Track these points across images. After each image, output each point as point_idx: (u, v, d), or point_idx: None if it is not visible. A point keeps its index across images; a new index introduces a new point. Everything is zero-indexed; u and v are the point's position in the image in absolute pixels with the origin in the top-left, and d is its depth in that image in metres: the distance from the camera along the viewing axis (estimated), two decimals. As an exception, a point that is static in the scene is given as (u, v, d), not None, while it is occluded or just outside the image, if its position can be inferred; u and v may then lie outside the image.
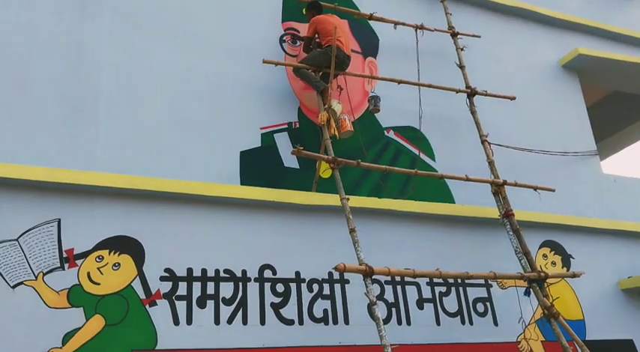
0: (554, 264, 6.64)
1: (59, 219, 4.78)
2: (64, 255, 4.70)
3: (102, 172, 5.04)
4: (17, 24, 5.33)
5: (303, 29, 6.46)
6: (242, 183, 5.57)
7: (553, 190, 6.42)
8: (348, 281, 5.49)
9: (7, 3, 5.35)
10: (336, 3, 6.65)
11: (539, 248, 6.62)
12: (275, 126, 5.99)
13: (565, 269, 6.64)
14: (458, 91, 6.73)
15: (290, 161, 5.87)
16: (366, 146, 6.12)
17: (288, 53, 6.42)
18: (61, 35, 5.45)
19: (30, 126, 5.02)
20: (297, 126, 6.12)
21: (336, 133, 5.71)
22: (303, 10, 6.54)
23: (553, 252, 6.70)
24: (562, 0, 8.88)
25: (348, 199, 5.09)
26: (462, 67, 6.99)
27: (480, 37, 7.42)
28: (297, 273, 5.36)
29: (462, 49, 7.12)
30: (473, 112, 6.68)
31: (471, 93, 6.77)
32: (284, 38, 6.47)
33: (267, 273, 5.25)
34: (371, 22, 6.94)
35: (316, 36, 6.12)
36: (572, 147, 7.64)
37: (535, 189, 6.30)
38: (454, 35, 7.19)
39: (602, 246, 7.03)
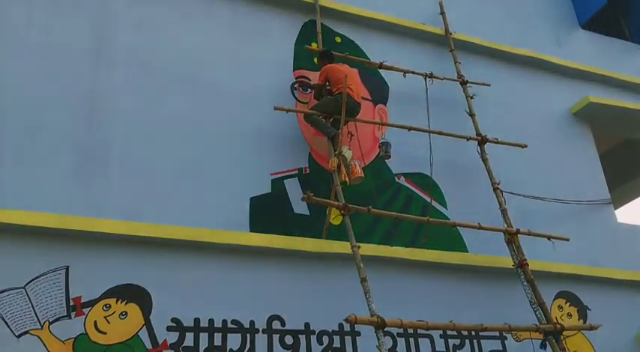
0: (570, 315, 6.47)
1: (67, 267, 4.74)
2: (71, 303, 4.64)
3: (112, 219, 5.01)
4: (32, 72, 5.43)
5: (314, 77, 6.54)
6: (252, 230, 5.54)
7: (567, 239, 6.31)
8: (359, 334, 5.35)
9: (22, 52, 5.46)
10: (347, 52, 6.76)
11: (555, 299, 6.47)
12: (285, 172, 6.00)
13: (581, 321, 6.46)
14: (469, 139, 6.72)
15: (300, 207, 5.84)
16: (377, 192, 6.10)
17: (300, 100, 6.47)
18: (75, 83, 5.54)
19: (41, 173, 5.05)
20: (308, 172, 6.12)
21: (347, 179, 5.70)
22: (315, 59, 6.64)
23: (569, 304, 6.53)
24: (571, 48, 8.96)
25: (359, 247, 5.03)
26: (472, 114, 7.01)
27: (489, 85, 7.46)
28: (307, 325, 5.24)
29: (471, 97, 7.16)
30: (484, 160, 6.66)
31: (482, 141, 6.76)
32: (295, 85, 6.54)
33: (276, 324, 5.14)
34: (381, 71, 7.00)
35: (327, 84, 6.19)
36: (586, 195, 7.55)
37: (549, 238, 6.19)
38: (464, 83, 7.25)
39: (619, 296, 6.84)
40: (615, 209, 8.54)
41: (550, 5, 9.24)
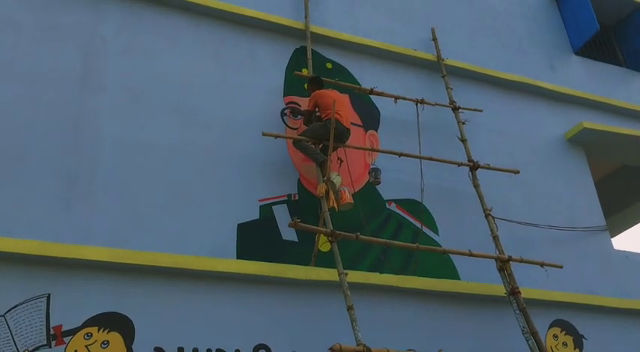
0: (565, 344, 6.35)
1: (49, 294, 4.66)
2: (52, 332, 4.56)
3: (95, 246, 4.96)
4: (18, 96, 5.41)
5: (304, 103, 6.53)
6: (238, 257, 5.48)
7: (561, 267, 6.24)
8: (346, 363, 5.24)
9: (9, 76, 5.46)
10: (337, 78, 6.76)
11: (549, 327, 6.35)
12: (274, 198, 5.95)
13: (577, 350, 6.35)
14: (460, 164, 6.69)
15: (288, 234, 5.78)
16: (366, 219, 6.04)
17: (289, 126, 6.46)
18: (62, 108, 5.52)
19: (24, 199, 5.01)
20: (297, 198, 6.08)
21: (335, 205, 5.65)
22: (305, 85, 6.64)
23: (564, 332, 6.41)
24: (565, 74, 8.96)
25: (346, 274, 4.99)
26: (463, 140, 6.98)
27: (481, 111, 7.44)
28: (294, 353, 5.14)
29: (463, 123, 7.14)
30: (476, 186, 6.61)
31: (474, 167, 6.72)
32: (285, 111, 6.53)
33: (262, 353, 5.05)
34: (372, 97, 7.00)
35: (316, 109, 6.17)
36: (581, 222, 7.47)
37: (542, 265, 6.11)
38: (455, 109, 7.23)
39: (615, 325, 6.72)
40: (612, 236, 8.47)
41: (543, 31, 9.27)
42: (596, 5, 9.27)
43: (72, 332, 4.58)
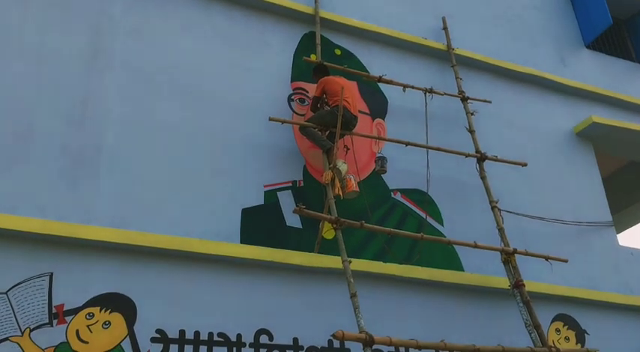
0: (567, 339, 6.32)
1: (51, 273, 4.67)
2: (54, 310, 4.56)
3: (100, 226, 4.95)
4: (25, 74, 5.38)
5: (312, 89, 6.47)
6: (242, 242, 5.45)
7: (566, 261, 6.19)
8: (349, 351, 5.25)
9: (16, 54, 5.42)
10: (345, 65, 6.69)
11: (552, 321, 6.33)
12: (279, 184, 5.92)
13: (579, 345, 6.32)
14: (467, 155, 6.63)
15: (293, 220, 5.75)
16: (371, 207, 6.00)
17: (296, 112, 6.41)
18: (68, 88, 5.49)
19: (29, 177, 4.99)
20: (302, 184, 6.04)
21: (341, 193, 5.62)
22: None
23: (566, 327, 6.39)
24: (576, 68, 8.87)
25: (350, 262, 4.96)
26: (471, 131, 6.92)
27: (490, 102, 7.38)
28: (295, 340, 5.14)
29: (472, 114, 7.08)
30: (483, 178, 6.56)
31: (481, 158, 6.67)
32: (292, 97, 6.48)
33: (264, 338, 5.04)
34: (380, 84, 6.93)
35: (324, 96, 6.12)
36: (587, 217, 7.42)
37: (547, 259, 6.06)
38: (464, 100, 7.16)
39: (619, 321, 6.69)
40: (617, 232, 8.41)
41: (555, 24, 9.17)
42: (609, -1, 9.18)
43: (74, 312, 4.59)
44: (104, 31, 5.86)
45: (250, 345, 4.95)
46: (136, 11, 6.10)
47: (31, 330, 4.43)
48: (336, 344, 5.21)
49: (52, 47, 5.58)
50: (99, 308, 4.68)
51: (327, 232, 5.62)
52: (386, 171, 6.23)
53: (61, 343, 4.44)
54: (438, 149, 6.49)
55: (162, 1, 6.30)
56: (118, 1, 6.08)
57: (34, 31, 5.58)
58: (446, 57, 7.64)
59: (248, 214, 5.61)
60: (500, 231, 6.16)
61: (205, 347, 4.82)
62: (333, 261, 5.38)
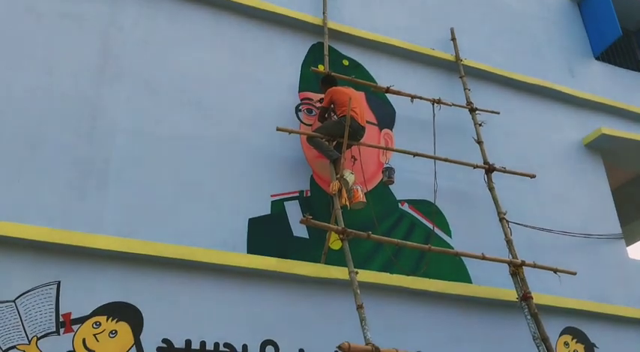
0: (576, 352, 6.27)
1: (59, 282, 4.69)
2: (61, 319, 4.58)
3: (107, 235, 4.97)
4: (35, 85, 5.43)
5: (320, 100, 6.48)
6: (249, 252, 5.46)
7: (574, 273, 6.13)
8: (354, 362, 5.20)
9: (27, 65, 5.48)
10: (353, 75, 6.70)
11: (560, 335, 6.27)
12: (286, 194, 5.92)
13: (588, 358, 6.26)
14: (475, 166, 6.61)
15: (299, 230, 5.75)
16: (379, 218, 5.99)
17: (304, 122, 6.43)
18: (78, 98, 5.53)
19: (38, 187, 5.03)
20: (309, 194, 6.04)
21: (347, 203, 5.61)
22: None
23: (575, 340, 6.32)
24: (585, 79, 8.84)
25: (356, 273, 4.94)
26: (479, 142, 6.90)
27: (499, 113, 7.36)
28: (301, 351, 5.12)
29: (480, 125, 7.06)
30: (491, 189, 6.54)
31: (489, 170, 6.64)
32: (300, 107, 6.49)
33: (270, 349, 5.04)
34: (388, 95, 6.94)
35: (332, 106, 6.13)
36: (596, 229, 7.36)
37: (555, 271, 6.01)
38: (472, 110, 7.15)
39: (628, 335, 6.62)
40: (627, 245, 8.34)
41: (564, 35, 9.15)
42: (619, 10, 9.13)
43: (81, 321, 4.60)
44: (114, 42, 5.91)
45: (256, 356, 4.94)
46: (146, 22, 6.15)
47: (38, 339, 4.44)
48: (342, 355, 5.19)
49: (61, 57, 5.63)
50: (106, 317, 4.69)
51: (334, 243, 5.60)
52: (393, 182, 6.21)
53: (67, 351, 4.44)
54: (445, 160, 6.47)
55: (171, 12, 6.35)
56: (128, 13, 6.13)
57: (44, 42, 5.64)
58: (454, 68, 7.65)
59: (255, 224, 5.61)
60: (509, 242, 6.12)
61: (211, 358, 4.81)
62: (339, 272, 5.37)
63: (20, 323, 4.45)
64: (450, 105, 7.03)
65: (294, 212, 5.81)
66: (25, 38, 5.58)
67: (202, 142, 5.82)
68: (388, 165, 6.26)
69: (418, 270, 5.91)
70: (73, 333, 4.54)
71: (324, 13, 7.09)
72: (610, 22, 8.98)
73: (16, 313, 4.47)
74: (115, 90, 5.71)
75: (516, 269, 5.84)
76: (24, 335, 4.43)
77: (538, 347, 5.39)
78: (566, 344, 6.26)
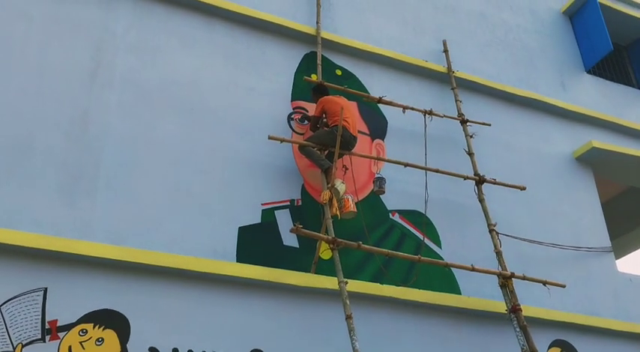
0: (564, 365, 6.26)
1: (46, 288, 4.63)
2: (47, 326, 4.52)
3: (96, 242, 4.94)
4: (26, 88, 5.40)
5: (312, 109, 6.50)
6: (238, 260, 5.43)
7: (564, 286, 6.16)
8: (342, 373, 5.18)
9: (18, 68, 5.45)
10: (345, 85, 6.72)
11: (549, 347, 6.26)
12: (277, 203, 5.91)
13: (577, 372, 6.25)
14: (466, 178, 6.62)
15: (290, 239, 5.73)
16: (369, 228, 5.98)
17: (296, 131, 6.43)
18: (69, 103, 5.51)
19: (27, 192, 4.98)
20: (300, 203, 6.03)
21: (338, 213, 5.61)
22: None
23: (564, 353, 6.33)
24: (576, 93, 8.90)
25: (346, 283, 4.95)
26: (470, 154, 6.92)
27: (490, 125, 7.39)
28: (289, 360, 5.08)
29: (471, 137, 7.08)
30: (481, 200, 6.54)
31: (480, 181, 6.66)
32: (292, 116, 6.50)
33: (258, 358, 5.00)
34: (380, 105, 6.96)
35: (324, 116, 6.14)
36: (585, 242, 7.38)
37: (545, 283, 6.04)
38: (464, 122, 7.18)
39: (617, 348, 6.61)
40: (617, 258, 8.36)
41: (556, 49, 9.22)
42: (610, 25, 9.22)
43: (67, 328, 4.55)
44: (106, 47, 5.89)
45: (244, 366, 4.90)
46: (138, 28, 6.14)
47: (23, 346, 4.39)
48: (331, 366, 5.16)
49: (53, 62, 5.61)
50: (92, 324, 4.64)
51: (324, 252, 5.60)
52: (384, 192, 6.21)
53: (52, 359, 4.38)
54: (436, 171, 6.49)
55: (164, 18, 6.35)
56: (121, 18, 6.12)
57: (36, 46, 5.62)
58: (446, 79, 7.68)
59: (245, 232, 5.59)
60: (498, 254, 6.13)
61: (198, 367, 4.77)
62: (329, 282, 5.36)
63: (5, 329, 4.40)
64: (442, 117, 7.05)
65: (284, 221, 5.80)
66: (16, 41, 5.56)
67: (193, 149, 5.80)
68: (379, 175, 6.25)
69: (408, 281, 5.90)
70: (59, 341, 4.49)
71: (317, 22, 7.12)
72: (601, 37, 9.06)
73: (1, 319, 4.41)
74: (107, 95, 5.69)
75: (506, 281, 5.85)
76: (9, 342, 4.37)
77: (527, 359, 5.39)
78: (555, 356, 6.27)
